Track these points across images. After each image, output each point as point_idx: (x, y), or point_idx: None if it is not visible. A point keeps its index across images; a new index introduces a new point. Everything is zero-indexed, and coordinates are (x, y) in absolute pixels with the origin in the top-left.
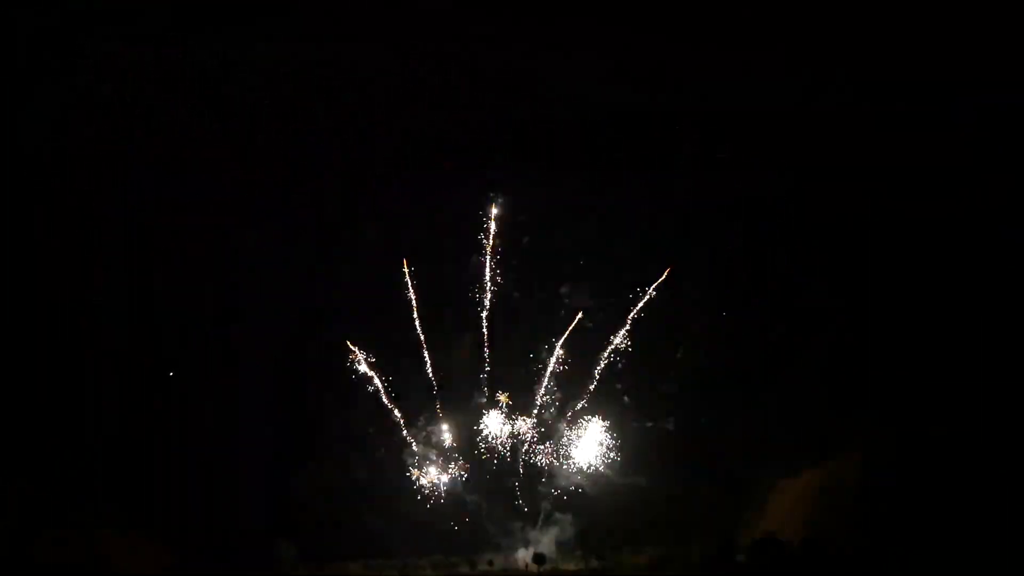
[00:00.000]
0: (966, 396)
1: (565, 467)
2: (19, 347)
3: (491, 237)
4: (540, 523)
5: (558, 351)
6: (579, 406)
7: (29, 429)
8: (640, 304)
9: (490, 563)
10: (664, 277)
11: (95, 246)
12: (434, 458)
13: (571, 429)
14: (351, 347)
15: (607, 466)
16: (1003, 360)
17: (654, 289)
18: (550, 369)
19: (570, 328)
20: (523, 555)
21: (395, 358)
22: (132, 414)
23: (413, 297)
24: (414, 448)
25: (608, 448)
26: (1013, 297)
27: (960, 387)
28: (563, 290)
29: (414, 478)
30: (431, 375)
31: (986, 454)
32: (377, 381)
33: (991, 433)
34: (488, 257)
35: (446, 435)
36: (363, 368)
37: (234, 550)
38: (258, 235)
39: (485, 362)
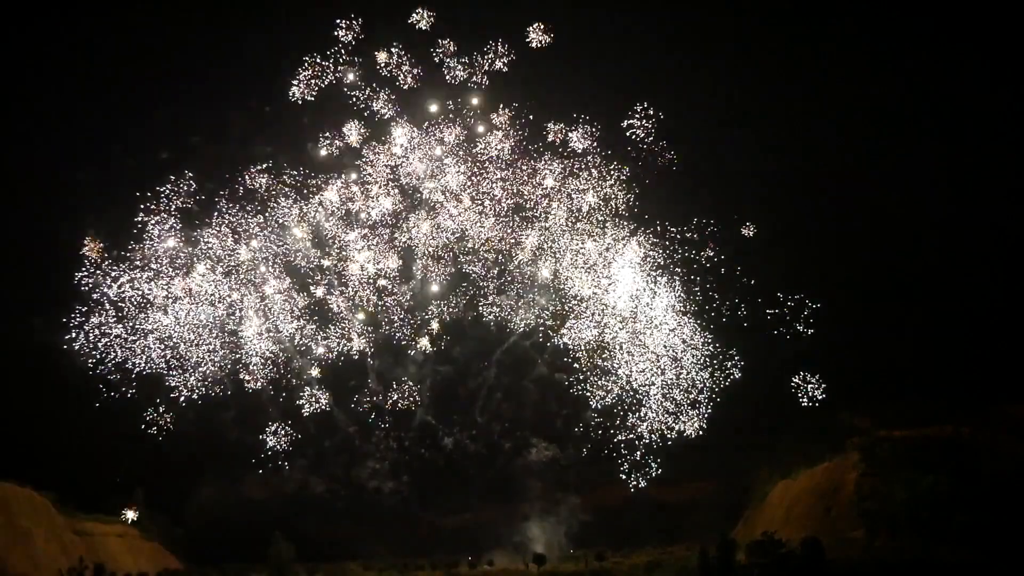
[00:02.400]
0: (965, 395)
1: (562, 468)
2: (19, 348)
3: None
4: (539, 524)
5: (554, 350)
6: (574, 407)
7: (30, 429)
8: (636, 302)
9: (490, 563)
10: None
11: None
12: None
13: (568, 430)
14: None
15: (606, 467)
16: (1002, 360)
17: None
18: (545, 370)
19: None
20: (523, 555)
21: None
22: (131, 413)
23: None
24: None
25: (606, 449)
26: (1012, 297)
27: (959, 387)
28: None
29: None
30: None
31: (985, 454)
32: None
33: (990, 434)
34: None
35: (443, 435)
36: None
37: (234, 550)
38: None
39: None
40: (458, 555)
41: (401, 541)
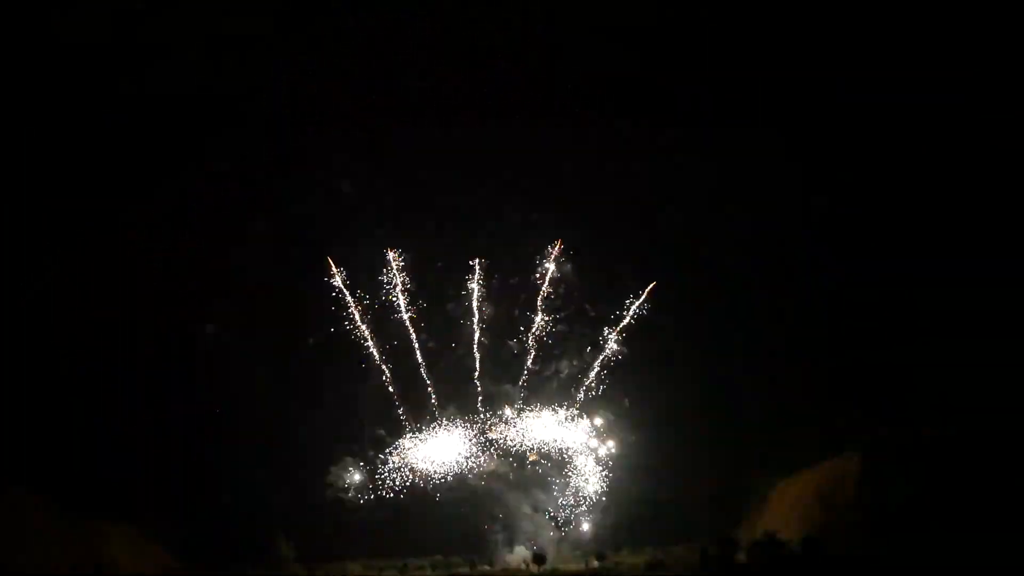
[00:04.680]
0: (964, 396)
1: (565, 469)
2: (18, 346)
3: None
4: (544, 524)
5: (554, 354)
6: (578, 409)
7: (29, 429)
8: (635, 306)
9: (490, 563)
10: (649, 289)
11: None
12: (434, 460)
13: (572, 432)
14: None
15: (608, 468)
16: (1001, 361)
17: (647, 294)
18: (546, 373)
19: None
20: (523, 555)
21: (393, 360)
22: (132, 414)
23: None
24: (413, 449)
25: (608, 450)
26: (1011, 297)
27: (958, 387)
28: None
29: (413, 479)
30: (429, 379)
31: (984, 454)
32: (378, 382)
33: (989, 433)
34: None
35: (445, 438)
36: (364, 367)
37: (234, 550)
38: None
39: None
40: (457, 555)
41: (400, 541)
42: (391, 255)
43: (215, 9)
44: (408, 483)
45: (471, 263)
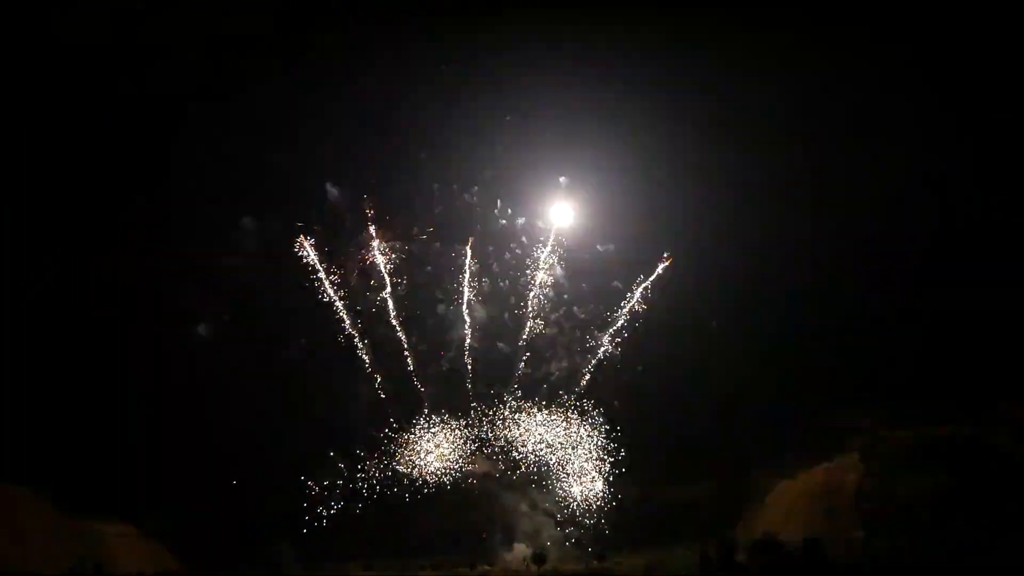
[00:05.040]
0: (964, 397)
1: (565, 467)
2: (19, 348)
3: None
4: (544, 524)
5: (551, 351)
6: (575, 407)
7: (30, 429)
8: (633, 303)
9: (490, 563)
10: (664, 265)
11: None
12: (433, 460)
13: (570, 430)
14: (350, 349)
15: (607, 467)
16: (1000, 361)
17: (649, 284)
18: (542, 369)
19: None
20: (523, 555)
21: (391, 361)
22: (134, 415)
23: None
24: (413, 448)
25: (608, 449)
26: (1011, 297)
27: (958, 388)
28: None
29: (413, 480)
30: (420, 381)
31: (985, 456)
32: (373, 384)
33: (989, 434)
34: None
35: (444, 438)
36: (359, 369)
37: (234, 550)
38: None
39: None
40: (457, 555)
41: (401, 542)
42: (380, 259)
43: (215, 9)
44: (406, 484)
45: (465, 263)
